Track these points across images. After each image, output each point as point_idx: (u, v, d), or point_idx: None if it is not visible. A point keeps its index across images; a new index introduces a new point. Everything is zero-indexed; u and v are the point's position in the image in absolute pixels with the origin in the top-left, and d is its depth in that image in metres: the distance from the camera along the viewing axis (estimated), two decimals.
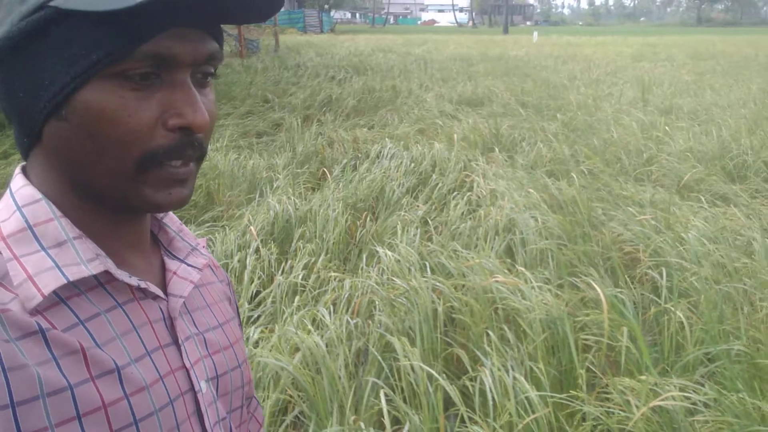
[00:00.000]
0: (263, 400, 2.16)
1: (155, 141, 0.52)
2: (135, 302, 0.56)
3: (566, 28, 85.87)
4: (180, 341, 0.59)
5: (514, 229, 3.60)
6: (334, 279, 3.06)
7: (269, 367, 2.26)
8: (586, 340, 2.57)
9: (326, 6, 53.12)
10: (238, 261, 3.25)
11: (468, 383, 2.32)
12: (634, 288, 3.08)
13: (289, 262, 3.29)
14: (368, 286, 2.88)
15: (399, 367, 2.32)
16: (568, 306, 2.72)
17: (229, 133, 6.56)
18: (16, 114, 0.53)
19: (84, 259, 0.52)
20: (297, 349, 2.38)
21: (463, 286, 2.90)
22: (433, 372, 2.24)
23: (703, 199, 4.25)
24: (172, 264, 0.63)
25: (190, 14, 0.51)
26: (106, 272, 0.53)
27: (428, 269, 3.03)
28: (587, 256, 3.35)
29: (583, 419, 2.12)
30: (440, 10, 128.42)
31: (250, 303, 2.97)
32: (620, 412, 2.05)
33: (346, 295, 2.88)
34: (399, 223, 3.76)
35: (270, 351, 2.33)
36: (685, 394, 2.05)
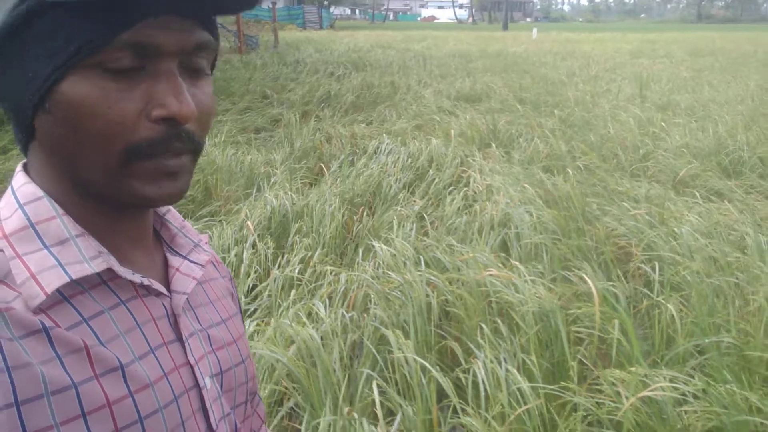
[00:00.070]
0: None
1: (139, 133, 0.50)
2: (138, 299, 0.56)
3: (566, 24, 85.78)
4: (184, 338, 0.59)
5: (510, 223, 3.63)
6: (330, 273, 3.09)
7: (264, 360, 2.28)
8: (578, 332, 2.59)
9: (326, 2, 53.04)
10: (235, 255, 3.27)
11: (461, 375, 2.34)
12: (627, 282, 3.11)
13: (286, 256, 3.31)
14: (364, 280, 2.91)
15: (393, 359, 2.35)
16: (561, 299, 2.74)
17: (228, 129, 6.59)
18: (10, 109, 0.53)
19: (87, 257, 0.52)
20: (292, 342, 2.41)
21: (458, 280, 2.92)
22: (427, 364, 2.26)
23: (698, 194, 4.27)
24: (174, 260, 0.63)
25: (172, 2, 0.50)
26: (109, 270, 0.53)
27: (423, 263, 3.06)
28: (581, 251, 3.37)
29: (574, 410, 2.15)
30: (440, 7, 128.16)
31: (246, 297, 2.99)
32: (610, 402, 2.08)
33: (341, 289, 2.91)
34: (395, 218, 3.78)
35: (265, 343, 2.36)
36: (675, 385, 2.08)
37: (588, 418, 2.13)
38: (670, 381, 2.12)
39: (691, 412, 2.04)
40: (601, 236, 3.55)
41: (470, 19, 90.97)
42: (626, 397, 2.02)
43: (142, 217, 0.59)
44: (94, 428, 0.47)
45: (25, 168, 0.56)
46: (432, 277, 2.90)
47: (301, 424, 2.16)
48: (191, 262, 0.64)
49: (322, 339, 2.43)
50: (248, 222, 3.63)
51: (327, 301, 2.81)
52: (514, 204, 3.84)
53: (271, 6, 22.77)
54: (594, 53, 18.00)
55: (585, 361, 2.44)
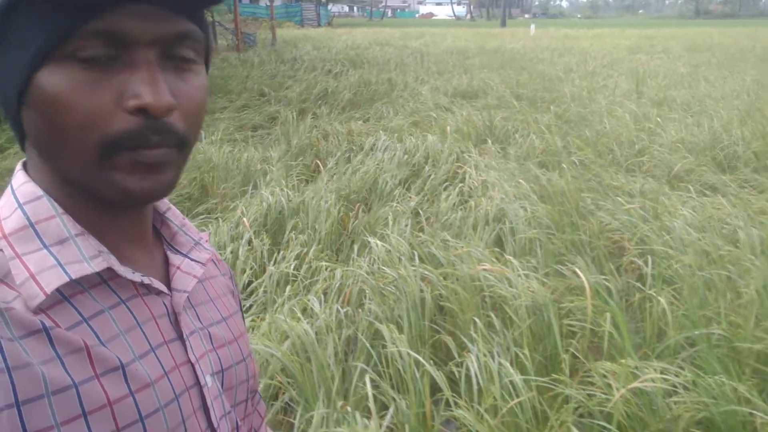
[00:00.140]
0: None
1: (115, 125, 0.49)
2: (138, 298, 0.56)
3: (564, 20, 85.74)
4: (185, 336, 0.58)
5: (504, 219, 3.65)
6: (326, 269, 3.11)
7: (259, 354, 2.30)
8: (570, 326, 2.62)
9: None
10: (231, 252, 3.29)
11: (454, 369, 2.36)
12: (620, 276, 3.13)
13: (282, 252, 3.33)
14: (359, 276, 2.93)
15: (387, 354, 2.37)
16: (554, 293, 2.76)
17: (224, 126, 6.61)
18: (2, 105, 0.53)
19: (86, 257, 0.51)
20: (286, 337, 2.43)
21: (452, 274, 2.94)
22: (420, 358, 2.29)
23: (692, 189, 4.29)
24: (175, 259, 0.63)
25: None
26: (109, 269, 0.53)
27: (417, 258, 3.08)
28: (574, 245, 3.39)
29: (566, 402, 2.17)
30: (438, 3, 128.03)
31: (242, 293, 3.01)
32: (601, 394, 2.11)
33: (337, 285, 2.92)
34: (391, 214, 3.80)
35: (260, 338, 2.38)
36: (665, 377, 2.11)
37: (579, 409, 2.15)
38: (661, 373, 2.14)
39: (680, 403, 2.06)
40: (594, 231, 3.57)
41: (468, 16, 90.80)
42: (617, 389, 2.05)
43: (141, 214, 0.59)
44: (94, 428, 0.47)
45: (25, 166, 0.56)
46: (426, 272, 2.92)
47: (295, 418, 2.18)
48: (192, 260, 0.64)
49: (316, 334, 2.45)
50: (244, 219, 3.64)
51: (322, 296, 2.83)
52: (509, 199, 3.86)
53: (268, 3, 22.77)
54: (591, 49, 18.01)
55: (577, 354, 2.46)
